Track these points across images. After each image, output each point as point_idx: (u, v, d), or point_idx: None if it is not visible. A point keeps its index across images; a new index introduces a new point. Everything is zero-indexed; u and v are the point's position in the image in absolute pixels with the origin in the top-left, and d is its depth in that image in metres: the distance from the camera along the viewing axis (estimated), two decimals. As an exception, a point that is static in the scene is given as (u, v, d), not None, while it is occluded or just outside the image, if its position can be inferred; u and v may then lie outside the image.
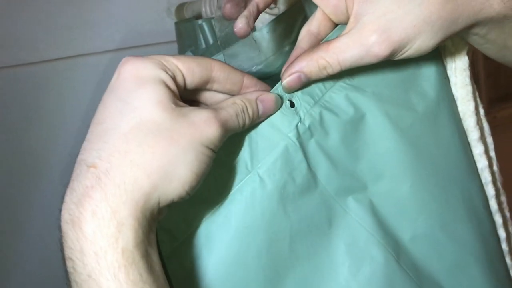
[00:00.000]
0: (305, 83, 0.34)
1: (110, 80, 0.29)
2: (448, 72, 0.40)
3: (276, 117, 0.34)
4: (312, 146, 0.35)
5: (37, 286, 0.73)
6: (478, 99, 0.41)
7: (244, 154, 0.34)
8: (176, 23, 0.69)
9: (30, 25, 0.68)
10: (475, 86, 0.41)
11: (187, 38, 0.67)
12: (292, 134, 0.34)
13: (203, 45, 0.65)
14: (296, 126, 0.34)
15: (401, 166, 0.37)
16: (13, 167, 0.69)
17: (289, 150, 0.34)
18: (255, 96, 0.33)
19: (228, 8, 0.36)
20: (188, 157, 0.27)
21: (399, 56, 0.32)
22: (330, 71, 0.33)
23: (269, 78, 0.55)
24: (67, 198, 0.26)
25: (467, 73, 0.40)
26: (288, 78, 0.33)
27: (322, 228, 0.35)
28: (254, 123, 0.33)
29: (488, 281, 0.38)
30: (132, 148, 0.26)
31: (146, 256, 0.26)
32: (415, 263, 0.37)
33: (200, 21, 0.64)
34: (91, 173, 0.25)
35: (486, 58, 0.40)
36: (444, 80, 0.40)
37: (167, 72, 0.28)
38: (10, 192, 0.69)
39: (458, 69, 0.40)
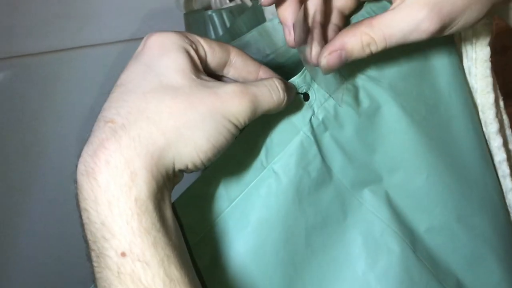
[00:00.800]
0: (344, 63, 0.31)
1: (118, 71, 0.29)
2: (468, 63, 0.39)
3: (290, 111, 0.34)
4: (326, 140, 0.34)
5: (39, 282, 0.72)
6: (498, 91, 0.40)
7: (259, 149, 0.33)
8: (185, 14, 0.68)
9: (39, 15, 0.67)
10: (495, 77, 0.39)
11: (197, 29, 0.66)
12: (306, 128, 0.34)
13: (213, 36, 0.64)
14: (310, 120, 0.34)
15: (417, 158, 0.36)
16: (19, 160, 0.69)
17: (303, 145, 0.33)
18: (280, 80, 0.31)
19: None
20: (206, 125, 0.27)
21: (447, 31, 0.31)
22: (374, 48, 0.30)
23: (280, 69, 0.54)
24: (84, 152, 0.26)
25: (488, 65, 0.38)
26: (329, 56, 0.30)
27: (337, 221, 0.35)
28: (276, 112, 0.31)
29: (505, 273, 0.38)
30: (150, 106, 0.26)
31: (159, 209, 0.26)
32: (432, 255, 0.36)
33: (209, 12, 0.63)
34: (108, 127, 0.26)
35: (494, 54, 0.39)
36: (458, 71, 0.39)
37: (191, 45, 0.29)
38: (13, 184, 0.69)
39: (479, 60, 0.38)
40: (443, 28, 0.30)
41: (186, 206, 0.32)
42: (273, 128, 0.33)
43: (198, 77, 0.28)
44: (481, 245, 0.37)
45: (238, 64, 0.31)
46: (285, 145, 0.33)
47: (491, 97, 0.39)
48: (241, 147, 0.33)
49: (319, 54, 0.31)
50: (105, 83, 0.68)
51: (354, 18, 0.36)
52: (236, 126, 0.28)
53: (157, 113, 0.26)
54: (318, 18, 0.34)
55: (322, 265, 0.34)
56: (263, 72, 0.32)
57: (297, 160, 0.33)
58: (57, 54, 0.69)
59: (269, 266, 0.33)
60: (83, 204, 0.25)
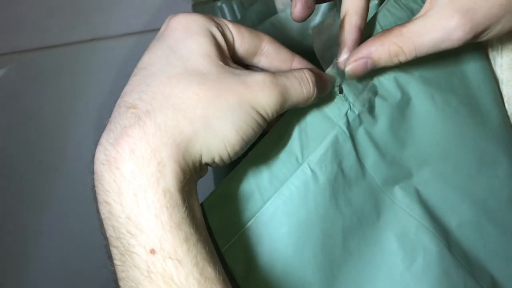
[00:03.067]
0: (370, 70, 0.30)
1: (128, 63, 0.27)
2: (493, 53, 0.37)
3: (325, 105, 0.31)
4: (360, 135, 0.32)
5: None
6: (525, 82, 0.38)
7: (293, 145, 0.31)
8: (193, 6, 0.66)
9: (51, 8, 0.65)
10: (522, 68, 0.38)
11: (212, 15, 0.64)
12: (342, 123, 0.31)
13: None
14: (346, 113, 0.31)
15: (445, 151, 0.35)
16: (27, 159, 0.67)
17: (338, 140, 0.31)
18: (314, 71, 0.29)
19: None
20: (236, 116, 0.24)
21: (480, 39, 0.29)
22: (403, 58, 0.29)
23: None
24: (103, 140, 0.24)
25: (514, 54, 0.37)
26: (354, 64, 0.29)
27: (371, 220, 0.32)
28: (311, 104, 0.29)
29: None
30: (176, 92, 0.24)
31: (188, 202, 0.24)
32: (465, 252, 0.35)
33: (219, 3, 0.61)
34: (130, 113, 0.24)
35: None
36: (485, 62, 0.37)
37: (217, 28, 0.27)
38: (26, 180, 0.68)
39: (505, 50, 0.37)
40: (476, 36, 0.28)
41: (215, 208, 0.29)
42: (308, 122, 0.31)
43: (225, 63, 0.26)
44: (511, 240, 0.36)
45: (270, 52, 0.29)
46: (321, 140, 0.31)
47: (517, 88, 0.38)
48: (274, 141, 0.30)
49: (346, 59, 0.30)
50: (114, 77, 0.66)
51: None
52: (264, 118, 0.26)
53: (183, 100, 0.24)
54: (356, 21, 0.31)
55: (358, 268, 0.32)
56: (298, 61, 0.30)
57: (332, 156, 0.31)
58: (69, 47, 0.67)
59: (308, 272, 0.30)
60: (103, 197, 0.23)
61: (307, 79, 0.28)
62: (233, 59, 0.29)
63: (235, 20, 0.61)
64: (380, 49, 0.29)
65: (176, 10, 0.77)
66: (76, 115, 0.68)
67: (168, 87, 0.24)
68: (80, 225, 0.61)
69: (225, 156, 0.25)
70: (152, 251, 0.22)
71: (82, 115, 0.67)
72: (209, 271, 0.23)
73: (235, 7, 0.61)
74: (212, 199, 0.30)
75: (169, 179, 0.23)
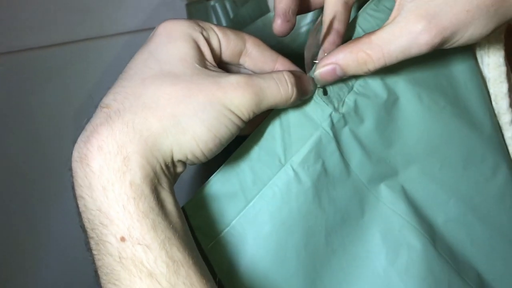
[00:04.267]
0: (341, 78, 0.30)
1: (119, 63, 0.28)
2: (481, 51, 0.37)
3: (309, 106, 0.31)
4: (345, 135, 0.32)
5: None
6: (512, 80, 0.38)
7: (276, 147, 0.31)
8: (187, 5, 0.66)
9: (41, 8, 0.65)
10: (509, 66, 0.38)
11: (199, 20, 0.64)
12: (325, 124, 0.31)
13: (216, 27, 0.62)
14: (330, 115, 0.32)
15: (432, 149, 0.35)
16: (20, 156, 0.67)
17: (322, 141, 0.31)
18: (295, 73, 0.29)
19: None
20: (206, 114, 0.25)
21: (450, 45, 0.29)
22: (372, 66, 0.29)
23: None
24: (79, 139, 0.25)
25: (501, 53, 0.37)
26: (322, 69, 0.30)
27: (355, 218, 0.33)
28: (293, 105, 0.30)
29: None
30: (147, 92, 0.25)
31: (156, 192, 0.25)
32: (451, 248, 0.35)
33: (212, 2, 0.61)
34: (103, 112, 0.25)
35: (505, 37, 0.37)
36: (472, 61, 0.37)
37: (202, 34, 0.28)
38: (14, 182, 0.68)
39: (492, 49, 0.37)
40: (444, 41, 0.28)
41: (199, 208, 0.30)
42: (291, 123, 0.31)
43: (203, 66, 0.27)
44: (498, 237, 0.36)
45: (254, 54, 0.30)
46: (304, 142, 0.31)
47: (504, 87, 0.37)
48: (257, 142, 0.31)
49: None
50: (106, 76, 0.66)
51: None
52: (239, 118, 0.26)
53: (154, 99, 0.25)
54: (336, 26, 0.31)
55: (342, 265, 0.32)
56: (281, 63, 0.31)
57: (315, 157, 0.31)
58: (59, 48, 0.67)
59: (290, 270, 0.31)
60: (78, 192, 0.25)
61: (286, 81, 0.28)
62: (221, 61, 0.29)
63: (228, 19, 0.60)
64: (348, 56, 0.29)
65: (170, 9, 0.76)
66: (72, 114, 0.68)
67: (141, 87, 0.25)
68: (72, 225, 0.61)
69: (198, 153, 0.26)
70: (122, 239, 0.24)
71: (78, 114, 0.67)
72: (178, 254, 0.24)
73: (228, 6, 0.61)
74: (196, 199, 0.30)
75: (135, 172, 0.24)
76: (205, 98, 0.25)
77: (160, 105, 0.25)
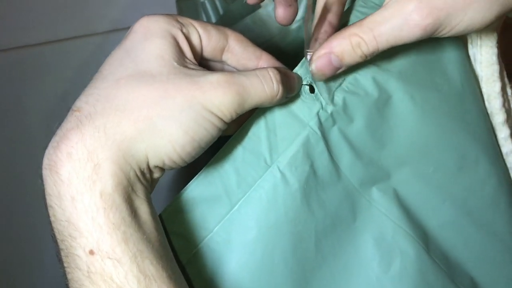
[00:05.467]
0: (338, 69, 0.28)
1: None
2: (473, 49, 0.36)
3: (295, 104, 0.30)
4: (334, 135, 0.31)
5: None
6: (505, 79, 0.37)
7: (262, 147, 0.29)
8: (177, 1, 0.65)
9: (21, 8, 0.63)
10: (502, 64, 0.36)
11: (188, 17, 0.62)
12: (313, 123, 0.30)
13: (206, 24, 0.60)
14: (317, 113, 0.30)
15: (424, 151, 0.33)
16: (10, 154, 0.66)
17: (310, 141, 0.30)
18: (280, 70, 0.28)
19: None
20: (184, 116, 0.24)
21: (447, 32, 0.27)
22: (365, 49, 0.27)
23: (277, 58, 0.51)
24: (49, 144, 0.24)
25: (494, 51, 0.35)
26: (317, 61, 0.28)
27: (347, 223, 0.31)
28: (278, 103, 0.28)
29: None
30: (120, 94, 0.24)
31: (129, 201, 0.23)
32: (445, 254, 0.33)
33: (202, -1, 0.60)
34: (74, 116, 0.23)
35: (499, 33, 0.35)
36: (466, 59, 0.36)
37: (181, 30, 0.26)
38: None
39: (484, 46, 0.35)
40: (438, 25, 0.26)
41: (179, 213, 0.28)
42: (277, 123, 0.29)
43: (181, 64, 0.25)
44: (492, 241, 0.34)
45: (237, 50, 0.28)
46: (291, 141, 0.29)
47: (497, 86, 0.36)
48: (242, 142, 0.29)
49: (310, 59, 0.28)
50: (87, 77, 0.64)
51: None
52: (220, 119, 0.25)
53: (127, 101, 0.23)
54: (329, 18, 0.30)
55: (333, 272, 0.31)
56: (265, 60, 0.29)
57: (303, 157, 0.29)
58: (44, 46, 0.65)
59: (278, 277, 0.29)
60: (48, 201, 0.23)
61: (271, 78, 0.26)
62: (203, 58, 0.28)
63: (217, 16, 0.59)
64: (342, 42, 0.27)
65: (161, 5, 0.74)
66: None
67: (115, 89, 0.24)
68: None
69: (175, 158, 0.24)
70: (91, 252, 0.22)
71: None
72: (151, 268, 0.23)
73: (217, 2, 0.59)
74: (176, 204, 0.28)
75: (106, 181, 0.22)
76: (182, 99, 0.24)
77: (134, 108, 0.23)
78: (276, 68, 0.27)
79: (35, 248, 0.70)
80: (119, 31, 0.68)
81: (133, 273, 0.22)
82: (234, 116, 0.25)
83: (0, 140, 0.66)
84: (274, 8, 0.31)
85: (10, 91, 0.64)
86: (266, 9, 0.51)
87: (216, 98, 0.24)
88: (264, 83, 0.26)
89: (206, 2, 0.60)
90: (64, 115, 0.25)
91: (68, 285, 0.23)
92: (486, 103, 0.37)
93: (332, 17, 0.31)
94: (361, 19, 0.27)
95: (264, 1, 0.61)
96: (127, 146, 0.23)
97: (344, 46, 0.27)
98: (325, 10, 0.30)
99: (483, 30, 0.35)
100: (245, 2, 0.31)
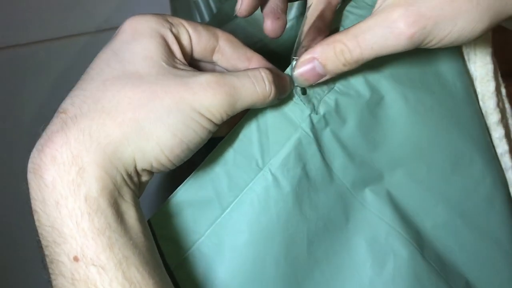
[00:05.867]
0: (322, 76, 0.28)
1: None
2: (467, 49, 0.35)
3: (287, 105, 0.29)
4: (327, 136, 0.30)
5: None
6: (500, 79, 0.36)
7: (253, 149, 0.29)
8: (171, 0, 0.64)
9: (13, 7, 0.62)
10: (496, 64, 0.36)
11: (182, 15, 0.62)
12: (305, 125, 0.29)
13: (199, 23, 0.60)
14: (309, 115, 0.30)
15: (418, 152, 0.33)
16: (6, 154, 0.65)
17: (302, 143, 0.29)
18: (273, 70, 0.27)
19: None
20: (172, 118, 0.23)
21: (437, 42, 0.26)
22: (349, 57, 0.26)
23: (270, 57, 0.51)
24: (34, 147, 0.23)
25: (488, 51, 0.35)
26: (301, 67, 0.27)
27: (339, 225, 0.31)
28: (271, 105, 0.28)
29: None
30: (107, 95, 0.23)
31: (115, 206, 0.23)
32: (439, 256, 0.33)
33: (195, -3, 0.59)
34: (59, 118, 0.23)
35: (494, 32, 0.35)
36: (459, 59, 0.35)
37: (171, 30, 0.26)
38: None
39: (479, 46, 0.35)
40: (425, 34, 0.25)
41: (169, 217, 0.27)
42: (269, 124, 0.29)
43: (170, 65, 0.24)
44: (487, 242, 0.34)
45: (227, 51, 0.28)
46: (283, 144, 0.29)
47: (491, 86, 0.36)
48: (233, 145, 0.29)
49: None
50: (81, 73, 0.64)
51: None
52: (210, 121, 0.24)
53: (113, 104, 0.23)
54: (317, 24, 0.30)
55: (326, 275, 0.30)
56: (256, 60, 0.28)
57: (295, 160, 0.29)
58: (36, 45, 0.64)
59: (270, 281, 0.28)
60: (32, 205, 0.23)
61: (263, 78, 0.26)
62: (193, 58, 0.27)
63: (211, 15, 0.58)
64: (325, 48, 0.27)
65: (155, 5, 0.74)
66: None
67: (101, 90, 0.23)
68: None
69: (164, 161, 0.24)
70: (76, 259, 0.22)
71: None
72: (136, 275, 0.22)
73: (211, 1, 0.59)
74: (166, 208, 0.28)
75: (91, 185, 0.22)
76: (170, 100, 0.23)
77: (120, 110, 0.23)
78: (268, 69, 0.27)
79: (34, 248, 0.69)
80: (112, 30, 0.67)
81: (118, 280, 0.22)
82: (225, 118, 0.25)
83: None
84: (263, 21, 0.31)
85: (1, 90, 0.64)
86: (260, 9, 0.51)
87: (205, 99, 0.24)
88: (255, 83, 0.25)
89: (199, 0, 0.59)
90: (53, 115, 0.24)
91: None
92: (481, 102, 0.36)
93: (320, 23, 0.30)
94: (349, 27, 0.27)
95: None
96: (112, 149, 0.23)
97: (328, 52, 0.27)
98: (314, 16, 0.30)
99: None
100: (235, 15, 0.30)
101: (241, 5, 0.30)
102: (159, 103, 0.23)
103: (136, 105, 0.23)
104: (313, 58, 0.27)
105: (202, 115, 0.24)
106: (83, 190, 0.22)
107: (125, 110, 0.23)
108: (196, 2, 0.59)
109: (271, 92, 0.26)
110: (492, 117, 0.36)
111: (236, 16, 0.48)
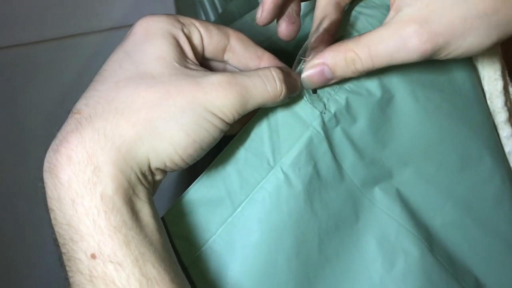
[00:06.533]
0: (329, 80, 0.28)
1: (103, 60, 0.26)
2: (475, 48, 0.35)
3: (297, 104, 0.29)
4: (337, 135, 0.30)
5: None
6: (507, 78, 0.36)
7: (264, 148, 0.29)
8: (175, 0, 0.64)
9: (25, 4, 0.62)
10: (504, 64, 0.36)
11: (187, 15, 0.61)
12: (316, 123, 0.29)
13: (204, 23, 0.60)
14: (321, 113, 0.30)
15: (427, 150, 0.33)
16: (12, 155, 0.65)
17: (313, 141, 0.29)
18: (283, 69, 0.28)
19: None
20: (185, 118, 0.23)
21: (445, 56, 0.27)
22: (359, 66, 0.27)
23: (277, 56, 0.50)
24: (50, 147, 0.24)
25: (495, 50, 0.35)
26: (310, 70, 0.28)
27: (349, 224, 0.31)
28: (281, 104, 0.28)
29: None
30: (120, 96, 0.23)
31: (130, 204, 0.23)
32: (448, 253, 0.33)
33: (200, -3, 0.59)
34: (74, 118, 0.23)
35: None
36: (469, 58, 0.35)
37: (182, 30, 0.26)
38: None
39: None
40: (436, 50, 0.26)
41: (182, 216, 0.28)
42: (280, 123, 0.29)
43: (182, 65, 0.25)
44: (496, 241, 0.34)
45: (238, 50, 0.28)
46: (294, 142, 0.29)
47: (499, 85, 0.36)
48: (244, 144, 0.29)
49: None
50: (85, 76, 0.64)
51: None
52: (222, 120, 0.24)
53: (127, 104, 0.23)
54: (326, 25, 0.30)
55: (337, 273, 0.30)
56: (267, 59, 0.29)
57: (306, 158, 0.29)
58: (46, 44, 0.64)
59: (281, 279, 0.28)
60: (48, 204, 0.23)
61: (273, 77, 0.26)
62: (204, 58, 0.28)
63: (216, 14, 0.58)
64: (336, 55, 0.27)
65: (159, 4, 0.73)
66: (66, 112, 0.66)
67: (114, 91, 0.24)
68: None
69: (177, 160, 0.24)
70: (93, 256, 0.22)
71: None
72: (153, 271, 0.23)
73: (216, 0, 0.59)
74: (179, 206, 0.28)
75: (107, 183, 0.22)
76: (184, 100, 0.23)
77: (134, 110, 0.23)
78: (279, 68, 0.27)
79: (35, 248, 0.69)
80: (117, 29, 0.67)
81: (135, 276, 0.22)
82: (236, 117, 0.25)
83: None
84: (277, 24, 0.31)
85: (10, 89, 0.64)
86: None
87: (217, 99, 0.24)
88: (266, 83, 0.26)
89: (204, 0, 0.59)
90: (63, 114, 0.24)
91: None
92: (488, 101, 0.36)
93: (329, 25, 0.30)
94: (360, 35, 0.27)
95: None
96: (127, 149, 0.23)
97: (338, 59, 0.27)
98: (322, 17, 0.30)
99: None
100: (256, 23, 0.30)
101: (261, 14, 0.30)
102: (173, 103, 0.23)
103: (149, 105, 0.23)
104: (323, 64, 0.27)
105: (215, 114, 0.24)
106: (99, 189, 0.22)
107: (139, 110, 0.23)
108: (201, 1, 0.59)
109: (282, 91, 0.26)
110: (500, 116, 0.36)
111: (242, 15, 0.48)
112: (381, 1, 0.32)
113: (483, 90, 0.36)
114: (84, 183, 0.22)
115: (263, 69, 0.26)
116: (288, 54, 0.41)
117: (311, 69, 0.28)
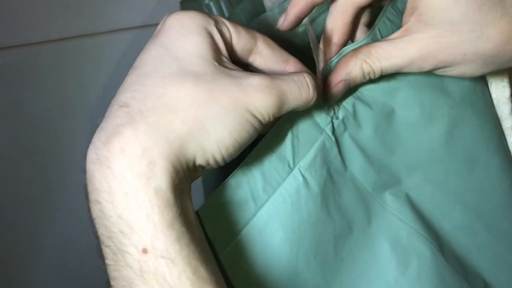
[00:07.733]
0: (349, 87, 0.31)
1: (119, 60, 0.26)
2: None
3: (314, 110, 0.30)
4: (346, 140, 0.31)
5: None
6: (515, 85, 0.37)
7: (286, 150, 0.29)
8: (181, 2, 0.64)
9: (41, 4, 0.62)
10: (511, 71, 0.37)
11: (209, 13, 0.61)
12: (328, 128, 0.30)
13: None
14: (332, 119, 0.31)
15: (434, 155, 0.34)
16: (25, 154, 0.64)
17: (326, 146, 0.30)
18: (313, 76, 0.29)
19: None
20: (230, 118, 0.24)
21: (441, 73, 0.31)
22: (373, 76, 0.30)
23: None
24: (95, 138, 0.23)
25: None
26: (336, 87, 0.30)
27: (362, 227, 0.31)
28: (303, 109, 0.29)
29: None
30: (169, 92, 0.23)
31: (181, 200, 0.23)
32: (458, 256, 0.34)
33: (206, 0, 0.59)
34: (123, 111, 0.23)
35: None
36: None
37: (215, 26, 0.26)
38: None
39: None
40: (435, 69, 0.30)
41: (210, 215, 0.28)
42: (300, 127, 0.30)
43: (221, 64, 0.25)
44: (504, 244, 0.35)
45: (265, 53, 0.28)
46: (310, 146, 0.30)
47: (506, 91, 0.37)
48: (269, 146, 0.29)
49: (327, 83, 0.30)
50: (107, 75, 0.63)
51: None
52: (260, 121, 0.25)
53: (176, 100, 0.23)
54: (336, 39, 0.33)
55: (352, 276, 0.31)
56: (293, 64, 0.29)
57: (321, 162, 0.30)
58: (57, 43, 0.64)
59: (300, 280, 0.29)
60: (94, 196, 0.22)
61: (307, 83, 0.27)
62: (231, 57, 0.28)
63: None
64: (355, 69, 0.30)
65: (164, 7, 0.73)
66: (71, 113, 0.65)
67: (162, 87, 0.23)
68: (74, 224, 0.58)
69: (219, 158, 0.24)
70: (144, 251, 0.22)
71: (77, 113, 0.64)
72: (202, 271, 0.22)
73: (222, 4, 0.59)
74: (208, 206, 0.28)
75: (161, 178, 0.22)
76: (227, 100, 0.24)
77: (183, 107, 0.23)
78: (310, 74, 0.28)
79: (35, 248, 0.69)
80: (121, 31, 0.67)
81: (187, 274, 0.22)
82: (271, 119, 0.25)
83: (27, 134, 0.64)
84: (281, 17, 0.32)
85: (15, 89, 0.63)
86: (273, 12, 0.51)
87: (258, 101, 0.24)
88: (301, 88, 0.26)
89: (211, 3, 0.59)
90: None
91: (109, 282, 0.23)
92: (496, 108, 0.37)
93: (339, 38, 0.33)
94: (367, 46, 0.30)
95: (269, 5, 0.60)
96: (179, 145, 0.23)
97: (358, 72, 0.30)
98: (332, 33, 0.33)
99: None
100: (276, 29, 0.31)
101: (284, 20, 0.31)
102: (217, 102, 0.23)
103: (197, 103, 0.23)
104: (348, 80, 0.30)
105: (254, 116, 0.24)
106: (153, 183, 0.22)
107: (187, 107, 0.23)
108: (208, 5, 0.59)
109: (313, 96, 0.27)
110: (507, 122, 0.37)
111: (249, 21, 0.48)
112: (402, 8, 0.32)
113: (491, 96, 0.37)
114: (139, 176, 0.22)
115: (297, 74, 0.27)
116: (299, 54, 0.42)
117: (338, 85, 0.30)
